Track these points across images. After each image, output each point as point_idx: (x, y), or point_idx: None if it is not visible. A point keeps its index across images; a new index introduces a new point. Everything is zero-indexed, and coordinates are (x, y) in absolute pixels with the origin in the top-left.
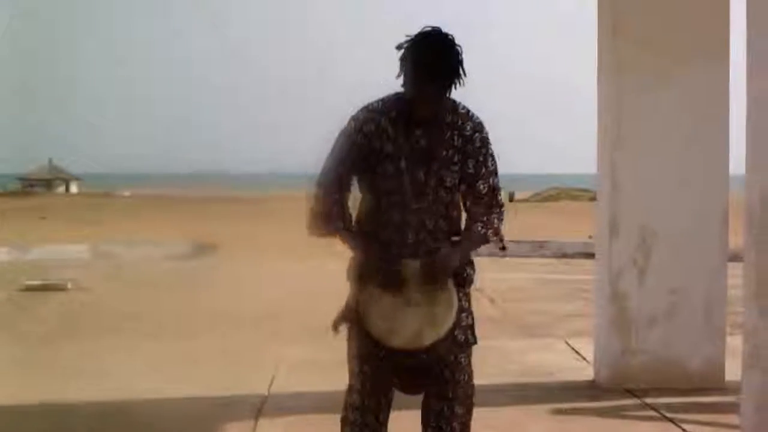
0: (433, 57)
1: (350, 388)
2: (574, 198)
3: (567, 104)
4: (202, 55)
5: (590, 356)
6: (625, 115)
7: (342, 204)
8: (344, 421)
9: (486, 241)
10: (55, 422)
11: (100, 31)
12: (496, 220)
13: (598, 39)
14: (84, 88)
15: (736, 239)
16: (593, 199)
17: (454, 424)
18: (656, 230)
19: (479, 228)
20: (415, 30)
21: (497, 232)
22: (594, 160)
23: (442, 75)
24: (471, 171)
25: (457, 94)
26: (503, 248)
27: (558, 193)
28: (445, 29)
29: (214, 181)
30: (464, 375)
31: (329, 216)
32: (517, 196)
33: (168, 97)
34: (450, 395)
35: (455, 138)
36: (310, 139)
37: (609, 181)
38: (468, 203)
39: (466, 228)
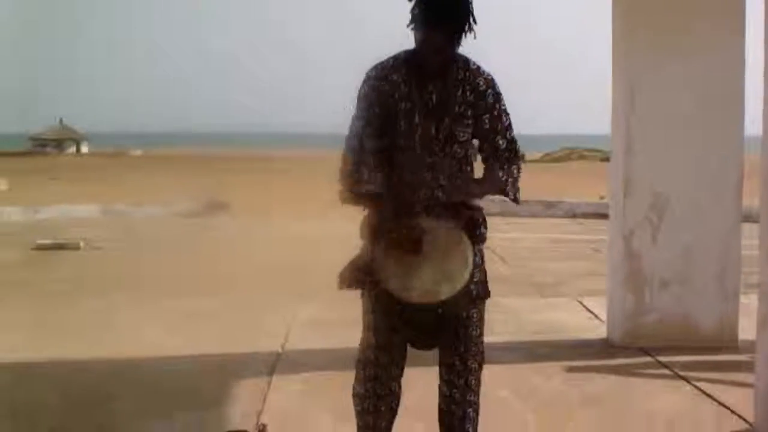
0: (441, 8)
1: (364, 342)
2: (586, 158)
3: (577, 65)
4: (215, 13)
5: (603, 315)
6: (640, 77)
7: (372, 167)
8: (358, 375)
9: (503, 187)
10: (68, 379)
11: None
12: (516, 171)
13: (613, 5)
14: (95, 48)
15: (752, 200)
16: (605, 159)
17: (470, 378)
18: (670, 190)
19: (499, 174)
20: None
21: (515, 183)
22: (605, 120)
23: (450, 19)
24: (487, 127)
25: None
26: (516, 200)
27: (569, 154)
28: None
29: (226, 140)
30: (477, 330)
31: (359, 181)
32: (528, 156)
33: (179, 56)
34: (462, 349)
35: (467, 93)
36: (317, 99)
37: (623, 142)
38: (487, 158)
39: (485, 172)
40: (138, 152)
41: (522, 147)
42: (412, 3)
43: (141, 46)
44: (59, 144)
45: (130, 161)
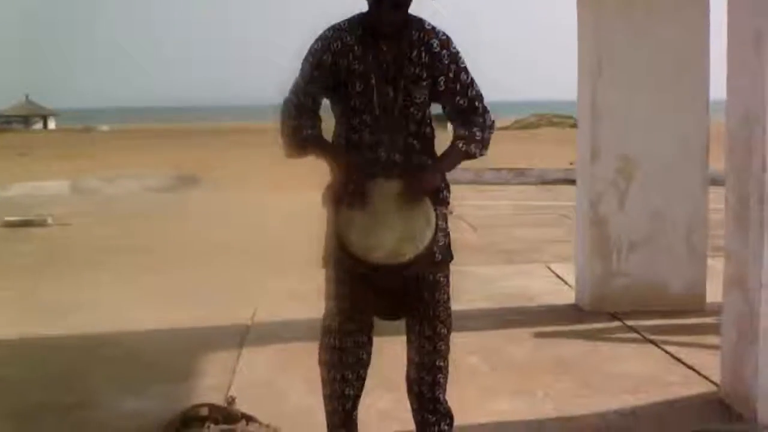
0: None
1: (328, 312)
2: (555, 125)
3: (548, 30)
4: None
5: (572, 280)
6: (605, 41)
7: (313, 115)
8: (323, 343)
9: (467, 155)
10: (39, 356)
11: None
12: (478, 132)
13: None
14: (62, 24)
15: (717, 164)
16: (575, 125)
17: (438, 343)
18: (637, 155)
19: (460, 145)
20: None
21: (480, 143)
22: (575, 86)
23: None
24: (442, 88)
25: (434, 20)
26: (482, 154)
27: (539, 120)
28: None
29: (194, 114)
30: (443, 294)
31: (300, 127)
32: (498, 123)
33: (147, 30)
34: (431, 314)
35: (423, 55)
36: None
37: (589, 108)
38: (450, 120)
39: (450, 145)
40: (105, 127)
41: (491, 113)
42: None
43: (108, 19)
44: (26, 120)
45: (98, 137)
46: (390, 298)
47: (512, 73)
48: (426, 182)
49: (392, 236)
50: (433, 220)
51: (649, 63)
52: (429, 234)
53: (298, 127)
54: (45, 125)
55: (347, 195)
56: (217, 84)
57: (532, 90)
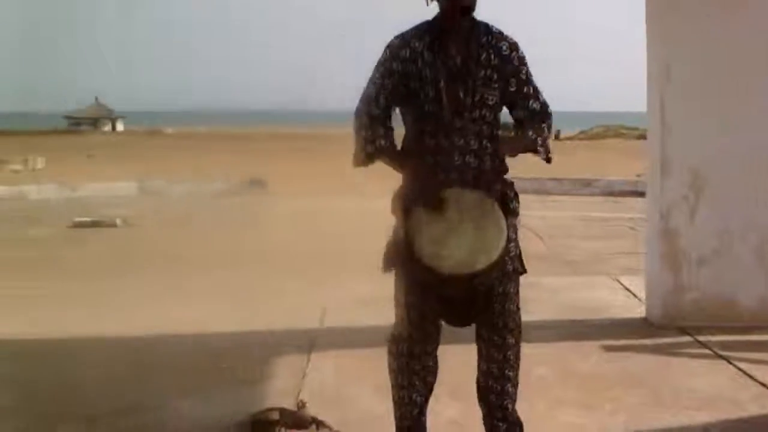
0: None
1: (397, 319)
2: (622, 136)
3: (610, 48)
4: None
5: (641, 294)
6: (675, 52)
7: (385, 125)
8: (392, 350)
9: (534, 146)
10: (105, 355)
11: None
12: (546, 130)
13: None
14: (132, 27)
15: None
16: (641, 136)
17: (508, 353)
18: (708, 167)
19: (530, 133)
20: None
21: (545, 141)
22: (641, 97)
23: None
24: (514, 89)
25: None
26: (548, 160)
27: (605, 131)
28: None
29: (260, 118)
30: (513, 305)
31: (373, 138)
32: (563, 134)
33: (211, 35)
34: (500, 324)
35: (492, 57)
36: (356, 78)
37: (659, 118)
38: (521, 122)
39: (519, 131)
40: (171, 130)
41: (557, 124)
42: None
43: (176, 25)
44: (94, 122)
45: (164, 139)
46: (459, 306)
47: (578, 83)
48: (495, 191)
49: (464, 246)
50: (505, 229)
51: (721, 70)
52: (501, 244)
53: (371, 138)
54: (113, 127)
55: (423, 199)
56: (292, 89)
57: (599, 101)
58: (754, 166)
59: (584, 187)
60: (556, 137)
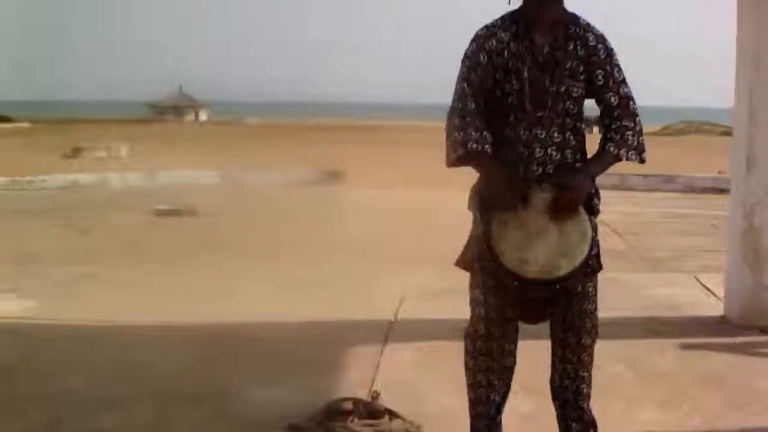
0: None
1: (474, 317)
2: (705, 132)
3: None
4: None
5: (720, 292)
6: (766, 42)
7: (478, 127)
8: (469, 349)
9: (617, 159)
10: (181, 343)
11: None
12: (630, 136)
13: None
14: (216, 13)
15: None
16: (725, 133)
17: (582, 354)
18: None
19: (611, 148)
20: None
21: (632, 148)
22: (725, 93)
23: None
24: (600, 82)
25: None
26: (642, 161)
27: (687, 127)
28: None
29: (342, 111)
30: (591, 304)
31: (466, 140)
32: (647, 129)
33: (304, 24)
34: (577, 324)
35: (579, 48)
36: (438, 72)
37: (746, 112)
38: (601, 118)
39: (600, 146)
40: (255, 120)
41: (641, 119)
42: None
43: (265, 12)
44: (178, 111)
45: (247, 130)
46: (537, 304)
47: (663, 76)
48: (579, 190)
49: (547, 250)
50: (589, 233)
51: None
52: (585, 248)
53: (463, 140)
54: (197, 117)
55: (506, 201)
56: (376, 81)
57: (685, 95)
58: None
59: (666, 183)
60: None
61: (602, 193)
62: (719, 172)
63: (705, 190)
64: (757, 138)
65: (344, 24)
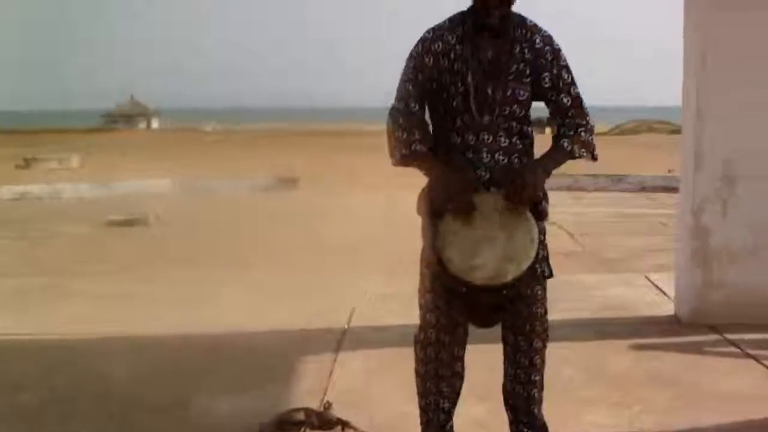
0: None
1: (423, 324)
2: (655, 131)
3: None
4: None
5: (671, 291)
6: (712, 42)
7: (421, 127)
8: (419, 356)
9: (572, 156)
10: (137, 354)
11: None
12: (583, 133)
13: None
14: (168, 23)
15: None
16: (674, 131)
17: (534, 358)
18: (742, 162)
19: (565, 144)
20: None
21: (585, 145)
22: (674, 91)
23: None
24: (548, 85)
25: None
26: (594, 158)
27: (638, 126)
28: None
29: (296, 116)
30: (540, 308)
31: (409, 140)
32: (597, 128)
33: (251, 30)
34: (528, 328)
35: (525, 51)
36: (392, 75)
37: (693, 112)
38: (554, 117)
39: (552, 144)
40: (208, 127)
41: (591, 119)
42: None
43: (214, 19)
44: (130, 120)
45: (200, 136)
46: (486, 309)
47: (613, 76)
48: (533, 181)
49: (494, 255)
50: (536, 237)
51: (759, 60)
52: (532, 253)
53: (407, 140)
54: (149, 125)
55: (453, 205)
56: (326, 87)
57: (633, 95)
58: None
59: (617, 183)
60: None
61: (554, 194)
62: (669, 171)
63: (655, 189)
64: (704, 137)
65: (308, 23)
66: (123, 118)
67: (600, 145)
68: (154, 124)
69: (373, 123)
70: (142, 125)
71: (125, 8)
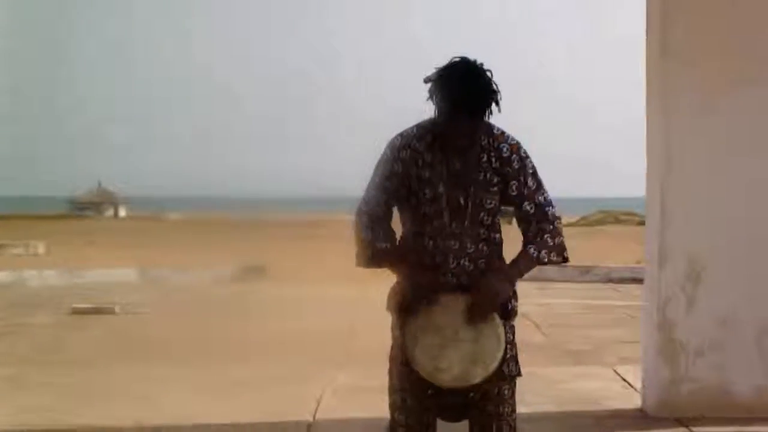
0: (462, 90)
1: (393, 421)
2: (622, 222)
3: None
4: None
5: (638, 384)
6: (675, 139)
7: (387, 228)
8: None
9: (540, 262)
10: None
11: (144, 51)
12: (549, 238)
13: (647, 60)
14: (133, 110)
15: None
16: (641, 223)
17: None
18: (706, 257)
19: (531, 250)
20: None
21: (552, 249)
22: (641, 182)
23: (473, 106)
24: (514, 193)
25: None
26: (565, 260)
27: (605, 217)
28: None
29: (256, 204)
30: (508, 407)
31: (374, 241)
32: (564, 220)
33: (218, 119)
34: (494, 427)
35: (492, 160)
36: (352, 163)
37: (658, 208)
38: (519, 225)
39: (521, 251)
40: (175, 216)
41: (558, 211)
42: (431, 85)
43: (178, 108)
44: (97, 207)
45: (167, 225)
46: (455, 407)
47: (578, 168)
48: (496, 294)
49: (461, 358)
50: (504, 339)
51: (719, 162)
52: (499, 355)
53: (372, 242)
54: (116, 213)
55: (419, 303)
56: (294, 174)
57: (599, 186)
58: (753, 255)
59: (584, 274)
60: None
61: (520, 284)
62: (637, 262)
63: (623, 281)
64: (668, 233)
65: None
66: (91, 206)
67: (567, 237)
68: (122, 212)
69: (344, 212)
70: (110, 213)
71: (89, 92)
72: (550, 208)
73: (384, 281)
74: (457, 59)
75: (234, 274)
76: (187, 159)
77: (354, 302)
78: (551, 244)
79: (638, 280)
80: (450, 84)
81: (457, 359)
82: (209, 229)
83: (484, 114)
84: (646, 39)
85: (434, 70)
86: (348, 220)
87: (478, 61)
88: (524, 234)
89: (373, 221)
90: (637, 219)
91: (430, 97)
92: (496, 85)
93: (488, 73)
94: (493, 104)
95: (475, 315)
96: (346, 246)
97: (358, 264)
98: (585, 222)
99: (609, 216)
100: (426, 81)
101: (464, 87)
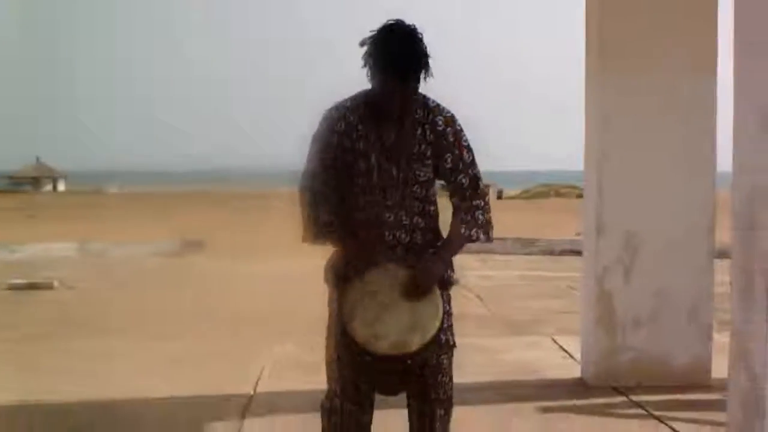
0: (396, 51)
1: (330, 391)
2: (562, 195)
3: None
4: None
5: (577, 354)
6: (611, 118)
7: (330, 203)
8: (324, 424)
9: (470, 240)
10: (38, 422)
11: (93, 30)
12: (480, 215)
13: (586, 43)
14: (74, 86)
15: (725, 235)
16: (581, 196)
17: (436, 424)
18: (642, 230)
19: (462, 229)
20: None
21: (482, 227)
22: (580, 158)
23: (407, 68)
24: (449, 165)
25: (438, 94)
26: (489, 240)
27: (547, 190)
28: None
29: (201, 177)
30: (445, 376)
31: (317, 217)
32: (505, 193)
33: (154, 96)
34: (432, 396)
35: (427, 133)
36: (291, 137)
37: (595, 183)
38: (452, 197)
39: (450, 229)
40: (114, 189)
41: (499, 184)
42: (366, 48)
43: (120, 83)
44: (36, 182)
45: (106, 199)
46: (392, 377)
47: (521, 143)
48: (431, 275)
49: (398, 326)
50: (441, 308)
51: (655, 138)
52: (436, 323)
53: (316, 218)
54: (55, 187)
55: (356, 273)
56: (236, 147)
57: (540, 160)
58: (688, 229)
59: (525, 246)
60: (499, 197)
61: (462, 256)
62: (577, 234)
63: (563, 253)
64: (605, 205)
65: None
66: (28, 181)
67: (508, 210)
68: (61, 186)
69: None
70: (48, 187)
71: (33, 69)
72: (481, 183)
73: (323, 254)
74: (392, 21)
75: (172, 249)
76: (126, 134)
77: (292, 276)
78: (482, 220)
79: (578, 252)
80: (383, 47)
81: (394, 327)
82: (147, 203)
83: (417, 78)
84: (586, 23)
85: (370, 33)
86: (287, 192)
87: (413, 25)
88: (456, 207)
89: (315, 198)
90: (577, 192)
91: (365, 63)
92: (427, 51)
93: (422, 38)
94: (424, 70)
95: (412, 296)
96: (279, 220)
97: (305, 240)
98: (526, 195)
99: (550, 189)
100: (361, 44)
101: (397, 49)
